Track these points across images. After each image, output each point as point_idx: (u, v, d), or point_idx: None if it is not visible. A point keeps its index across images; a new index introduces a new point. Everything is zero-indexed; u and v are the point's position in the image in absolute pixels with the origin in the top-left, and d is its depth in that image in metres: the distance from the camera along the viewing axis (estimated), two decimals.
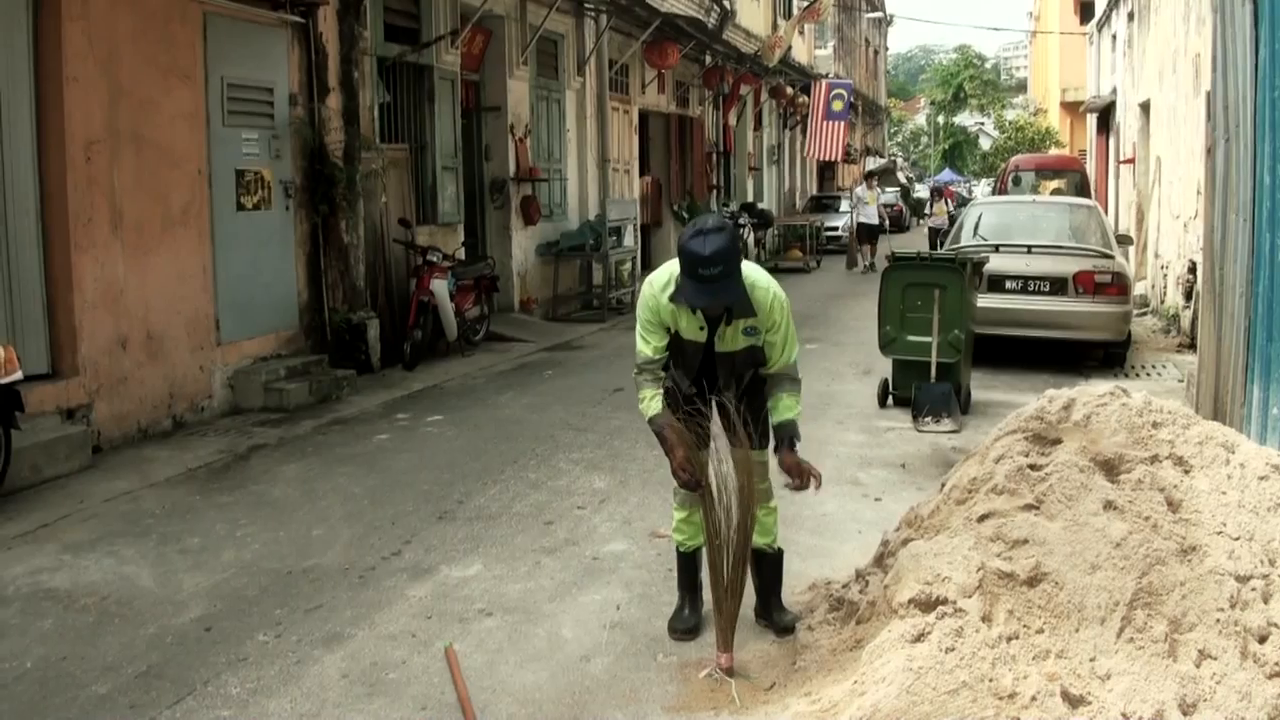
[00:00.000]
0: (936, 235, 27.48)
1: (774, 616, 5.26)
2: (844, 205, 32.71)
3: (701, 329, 4.88)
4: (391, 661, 4.97)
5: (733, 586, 4.74)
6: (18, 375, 7.06)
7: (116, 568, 6.20)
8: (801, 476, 4.90)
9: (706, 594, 5.25)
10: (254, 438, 9.22)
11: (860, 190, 27.54)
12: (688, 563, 5.25)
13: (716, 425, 4.94)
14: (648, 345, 4.95)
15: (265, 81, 10.80)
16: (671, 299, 4.78)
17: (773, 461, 5.06)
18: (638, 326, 4.99)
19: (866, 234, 26.77)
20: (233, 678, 4.83)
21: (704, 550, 5.01)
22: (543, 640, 5.19)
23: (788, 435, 4.92)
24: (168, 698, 4.65)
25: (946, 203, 32.21)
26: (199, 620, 5.47)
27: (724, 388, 4.98)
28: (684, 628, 5.20)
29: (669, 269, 4.86)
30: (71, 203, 8.42)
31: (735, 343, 4.92)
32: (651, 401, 4.92)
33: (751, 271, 4.85)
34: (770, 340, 4.91)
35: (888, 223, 31.04)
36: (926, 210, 35.76)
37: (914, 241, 30.73)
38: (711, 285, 4.53)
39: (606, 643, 5.16)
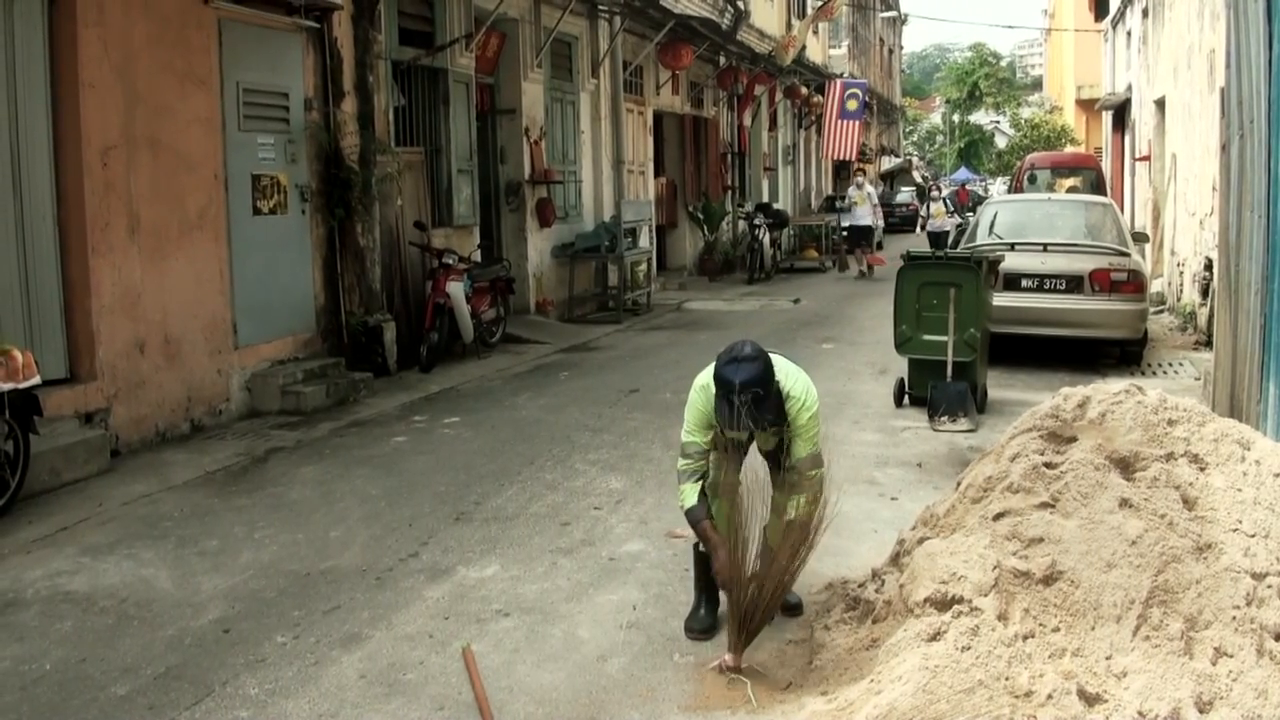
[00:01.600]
0: (938, 243, 24.63)
1: (784, 599, 5.29)
2: (948, 203, 32.80)
3: (744, 430, 5.02)
4: (409, 662, 4.99)
5: (755, 601, 4.79)
6: (36, 380, 7.10)
7: (135, 570, 6.23)
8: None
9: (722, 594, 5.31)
10: (271, 440, 9.26)
11: (850, 191, 26.38)
12: (705, 562, 5.26)
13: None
14: (694, 437, 5.12)
15: (280, 86, 10.84)
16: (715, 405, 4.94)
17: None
18: (685, 422, 5.15)
19: (858, 237, 25.38)
20: (251, 679, 4.85)
21: None
22: (560, 640, 5.21)
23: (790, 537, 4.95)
24: (186, 699, 4.67)
25: (945, 202, 28.93)
26: (217, 622, 5.49)
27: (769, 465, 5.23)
28: (700, 627, 5.22)
29: (711, 370, 5.03)
30: (88, 208, 8.47)
31: (768, 444, 5.20)
32: (686, 495, 5.10)
33: (788, 380, 5.03)
34: (794, 439, 5.08)
35: (881, 225, 28.66)
36: (922, 213, 32.88)
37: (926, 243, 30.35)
38: (743, 410, 4.73)
39: (623, 643, 5.17)
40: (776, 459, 5.15)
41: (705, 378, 5.03)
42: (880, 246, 30.86)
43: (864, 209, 25.18)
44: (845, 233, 26.02)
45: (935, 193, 29.21)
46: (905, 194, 45.63)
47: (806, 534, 4.94)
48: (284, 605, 5.69)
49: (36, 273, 8.21)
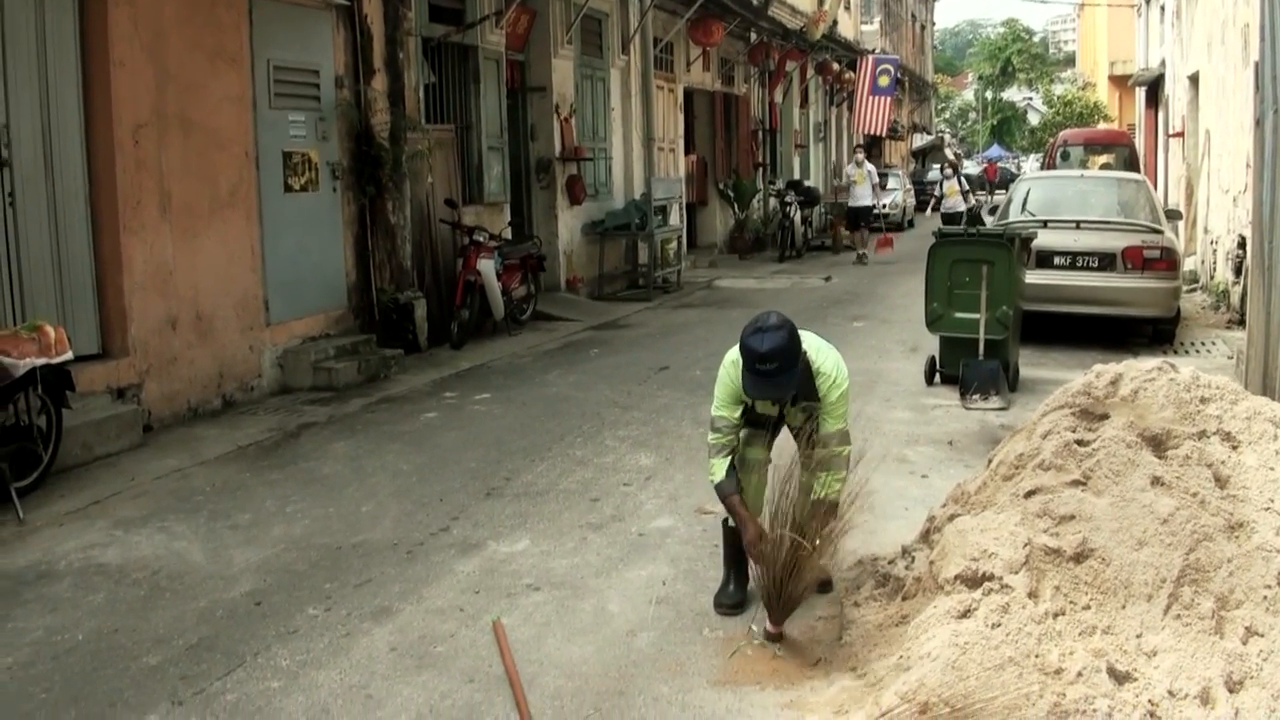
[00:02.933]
0: (952, 223, 22.09)
1: None
2: (892, 182, 32.31)
3: (774, 404, 5.06)
4: (440, 635, 5.02)
5: (790, 569, 4.80)
6: (68, 355, 7.15)
7: (167, 543, 6.29)
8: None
9: (753, 569, 5.32)
10: (303, 416, 9.31)
11: (849, 169, 24.93)
12: (734, 538, 5.27)
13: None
14: (723, 412, 5.10)
15: (311, 64, 10.86)
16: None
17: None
18: (715, 398, 5.12)
19: (857, 218, 23.89)
20: (282, 650, 4.89)
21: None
22: (589, 615, 5.23)
23: (823, 514, 4.90)
24: (218, 669, 4.72)
25: (960, 180, 25.49)
26: (249, 594, 5.54)
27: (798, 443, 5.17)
28: (730, 603, 5.23)
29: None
30: (120, 185, 8.52)
31: (796, 419, 5.16)
32: (716, 470, 5.08)
33: (818, 356, 5.02)
34: (821, 415, 5.05)
35: (879, 205, 25.99)
36: (935, 192, 27.39)
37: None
38: (768, 379, 4.74)
39: (652, 617, 5.19)
40: (807, 436, 5.13)
41: (735, 353, 5.01)
42: (911, 225, 30.59)
43: (864, 188, 23.79)
44: (884, 209, 25.52)
45: (948, 170, 25.65)
46: (937, 171, 45.40)
47: (836, 510, 4.94)
48: (315, 578, 5.73)
49: (69, 250, 8.27)
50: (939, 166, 46.00)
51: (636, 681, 4.54)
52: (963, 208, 23.06)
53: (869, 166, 24.49)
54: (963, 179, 25.43)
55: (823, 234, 27.27)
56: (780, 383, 4.75)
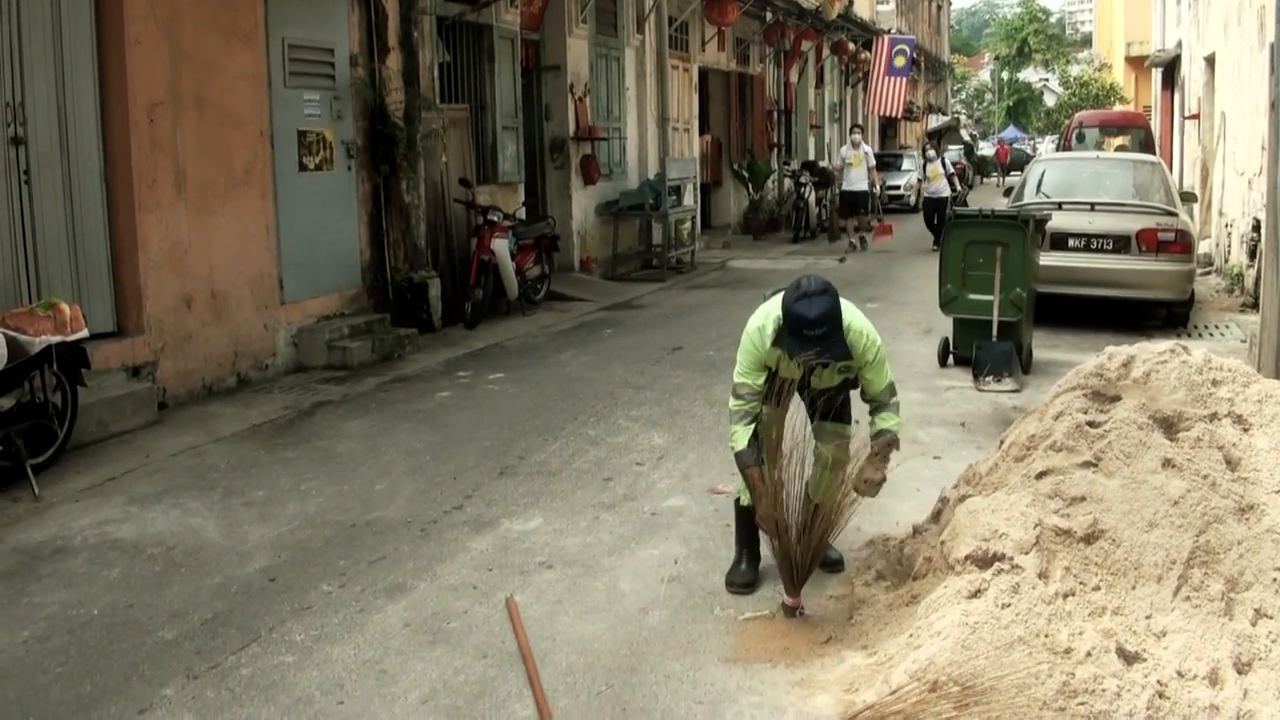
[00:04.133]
0: (935, 210, 21.43)
1: (825, 553, 5.34)
2: (906, 164, 32.13)
3: (800, 367, 5.01)
4: (453, 611, 5.06)
5: (807, 540, 4.88)
6: (84, 333, 7.19)
7: (182, 519, 6.33)
8: (871, 487, 5.06)
9: (764, 549, 5.34)
10: (318, 394, 9.35)
11: (844, 150, 23.17)
12: (746, 517, 5.30)
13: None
14: (746, 379, 5.08)
15: (326, 42, 10.87)
16: (774, 343, 4.94)
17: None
18: (738, 364, 5.11)
19: (853, 205, 22.42)
20: (297, 625, 4.93)
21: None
22: (602, 593, 5.26)
23: (885, 444, 5.09)
24: (233, 644, 4.76)
25: (943, 162, 23.04)
26: (264, 570, 5.58)
27: (812, 419, 5.25)
28: (741, 581, 5.25)
29: (766, 311, 5.04)
30: (135, 164, 8.54)
31: (831, 380, 5.12)
32: (738, 438, 5.08)
33: (848, 313, 5.00)
34: (867, 376, 5.08)
35: (878, 189, 24.49)
36: (917, 175, 25.08)
37: (979, 202, 28.76)
38: (816, 343, 4.74)
39: (664, 596, 5.21)
40: (828, 404, 5.14)
41: (760, 319, 5.03)
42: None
43: (859, 171, 22.09)
44: (898, 191, 24.45)
45: (931, 153, 23.13)
46: (953, 152, 45.29)
47: (897, 441, 5.13)
48: (330, 555, 5.77)
49: (84, 228, 8.30)
50: (962, 148, 45.93)
51: (648, 659, 4.57)
52: (947, 193, 21.85)
53: (866, 148, 23.10)
54: (946, 162, 23.17)
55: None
56: (828, 345, 4.76)
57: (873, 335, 5.03)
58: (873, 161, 22.94)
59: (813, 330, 4.70)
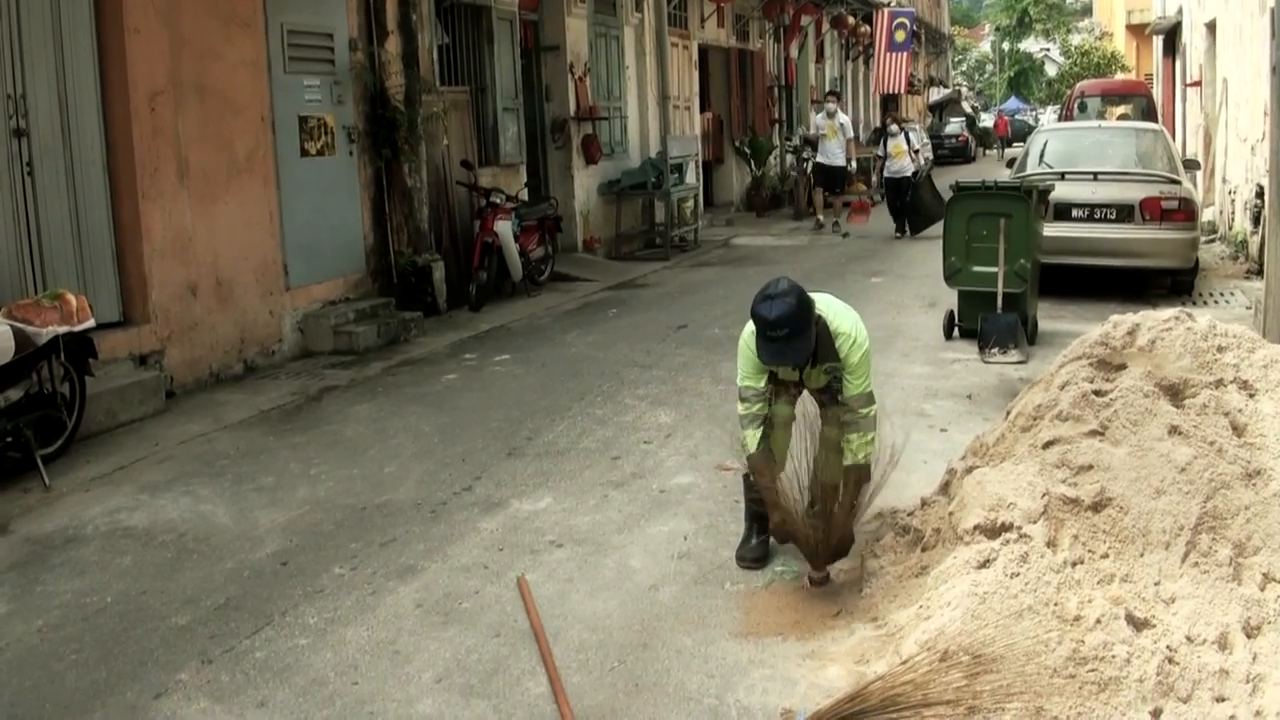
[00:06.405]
0: (899, 190, 19.45)
1: None
2: (912, 138, 31.94)
3: (795, 369, 5.06)
4: (465, 592, 5.08)
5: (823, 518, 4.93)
6: (90, 323, 7.21)
7: (193, 506, 6.36)
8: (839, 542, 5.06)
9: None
10: (325, 379, 9.37)
11: (818, 119, 20.98)
12: (755, 492, 5.32)
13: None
14: (749, 382, 5.10)
15: (325, 27, 10.86)
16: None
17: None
18: (739, 370, 5.13)
19: (829, 181, 20.59)
20: (310, 608, 4.96)
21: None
22: (612, 570, 5.28)
23: (855, 479, 5.05)
24: (246, 628, 4.79)
25: (908, 138, 19.99)
26: (275, 555, 5.61)
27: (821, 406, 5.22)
28: (751, 557, 5.27)
29: None
30: (138, 153, 8.54)
31: (819, 380, 5.12)
32: (748, 441, 5.11)
33: (836, 317, 5.01)
34: (846, 378, 5.06)
35: (853, 165, 21.69)
36: (879, 152, 21.35)
37: (980, 174, 27.34)
38: (779, 345, 4.75)
39: (674, 572, 5.24)
40: (832, 395, 5.15)
41: (749, 327, 5.05)
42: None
43: (834, 143, 20.03)
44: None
45: (894, 127, 20.32)
46: (955, 125, 45.21)
47: (869, 474, 5.03)
48: (341, 538, 5.80)
49: (88, 218, 8.31)
50: (964, 120, 45.73)
51: (659, 634, 4.60)
52: (909, 171, 19.55)
53: (842, 118, 20.66)
54: (910, 137, 20.33)
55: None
56: (792, 348, 4.77)
57: (859, 338, 5.01)
58: (850, 133, 20.85)
59: (775, 331, 4.71)
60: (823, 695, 3.94)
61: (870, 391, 5.10)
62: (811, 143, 21.70)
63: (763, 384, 5.08)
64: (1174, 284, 12.19)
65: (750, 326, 5.03)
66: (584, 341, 10.72)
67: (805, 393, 5.29)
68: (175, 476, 6.91)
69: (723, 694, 4.11)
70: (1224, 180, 17.10)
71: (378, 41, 11.48)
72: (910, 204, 18.76)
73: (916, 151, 20.54)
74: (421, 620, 4.81)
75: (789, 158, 25.53)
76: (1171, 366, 4.71)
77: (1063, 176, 12.11)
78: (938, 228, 12.91)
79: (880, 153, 20.32)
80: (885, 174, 20.16)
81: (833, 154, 20.05)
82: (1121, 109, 24.52)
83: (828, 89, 26.00)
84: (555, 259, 14.49)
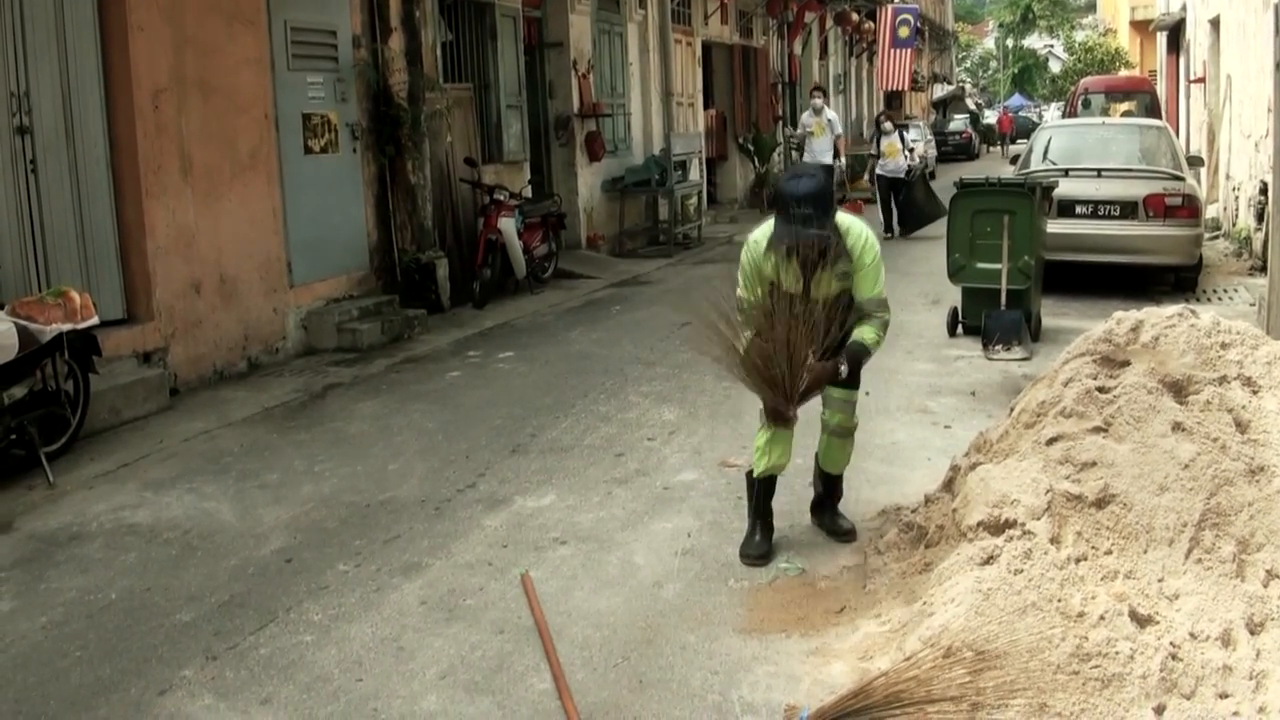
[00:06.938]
0: (891, 189, 18.87)
1: (836, 523, 5.52)
2: (912, 134, 31.88)
3: (798, 280, 5.04)
4: (469, 588, 5.09)
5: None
6: (94, 320, 7.22)
7: (197, 503, 6.37)
8: (815, 384, 5.11)
9: (778, 520, 5.43)
10: (328, 377, 9.38)
11: (805, 118, 20.34)
12: (759, 489, 5.34)
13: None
14: (746, 294, 5.15)
15: (328, 25, 10.86)
16: (768, 250, 5.04)
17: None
18: (740, 280, 5.20)
19: None
20: (314, 605, 4.97)
21: (777, 477, 5.38)
22: (616, 567, 5.29)
23: (851, 356, 5.13)
24: (251, 625, 4.80)
25: (902, 135, 19.59)
26: (279, 552, 5.61)
27: (822, 328, 5.09)
28: (755, 553, 5.27)
29: (765, 228, 5.12)
30: (141, 151, 8.55)
31: (829, 287, 5.08)
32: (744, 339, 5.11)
33: (845, 219, 5.11)
34: (859, 280, 5.11)
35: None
36: (871, 150, 20.37)
37: (984, 170, 26.89)
38: (799, 225, 4.82)
39: (678, 569, 5.24)
40: (839, 308, 5.08)
41: (755, 234, 5.17)
42: (933, 176, 30.01)
43: (823, 141, 19.48)
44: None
45: (887, 125, 19.60)
46: (959, 121, 45.15)
47: (868, 354, 5.20)
48: (345, 535, 5.80)
49: (92, 216, 8.31)
50: (968, 117, 45.63)
51: (664, 631, 4.60)
52: (903, 170, 19.04)
53: (830, 115, 20.01)
54: (904, 135, 19.91)
55: (842, 187, 26.45)
56: (811, 230, 4.83)
57: (872, 242, 5.13)
58: (839, 129, 20.19)
59: (799, 208, 4.81)
60: (826, 692, 3.94)
61: (884, 298, 5.19)
62: (799, 146, 21.25)
63: (760, 294, 5.10)
64: (1177, 281, 12.19)
65: (752, 236, 5.16)
66: (588, 339, 10.73)
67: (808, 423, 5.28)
68: (179, 474, 6.92)
69: (727, 690, 4.11)
70: (1228, 177, 17.08)
71: (381, 39, 11.48)
72: (903, 204, 18.57)
73: (911, 150, 20.18)
74: (425, 617, 4.81)
75: (792, 154, 25.47)
76: (1175, 363, 4.70)
77: (1066, 173, 12.11)
78: (930, 228, 12.94)
79: (874, 151, 19.78)
80: (878, 172, 19.55)
81: (819, 152, 19.43)
82: (1125, 105, 24.50)
83: (814, 84, 25.24)
84: (559, 256, 14.49)
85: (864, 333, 5.14)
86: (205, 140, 9.16)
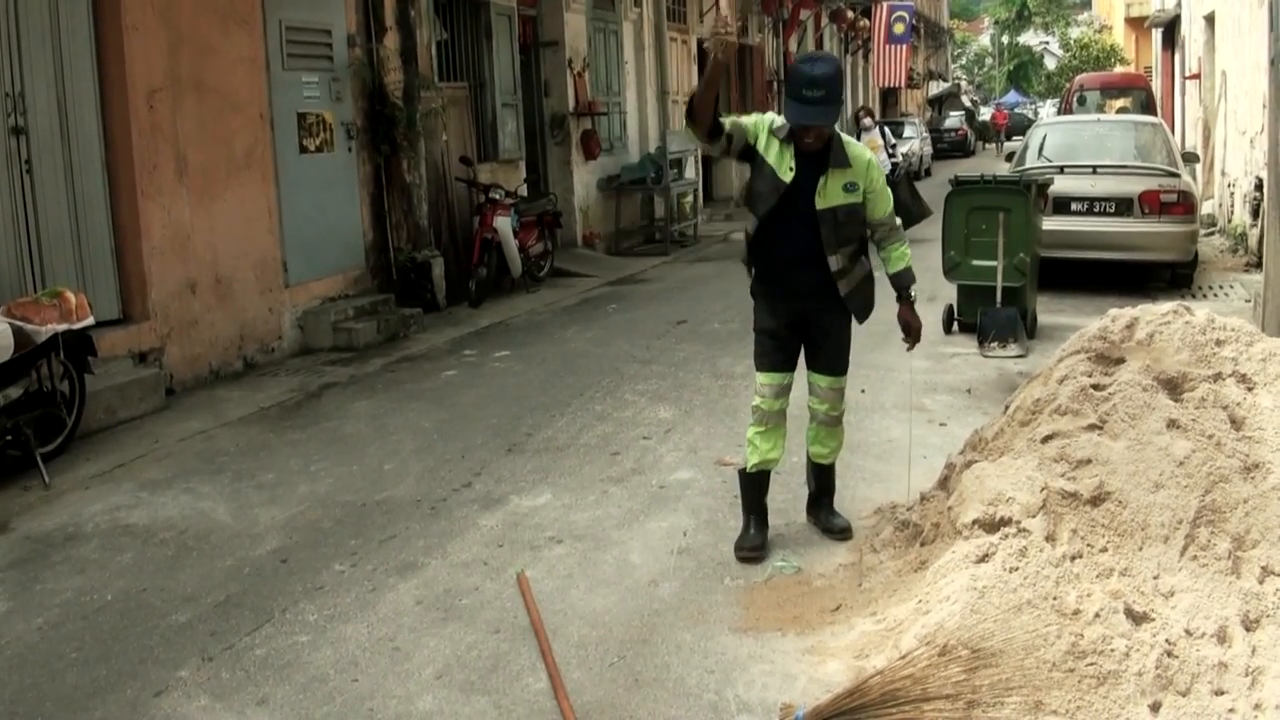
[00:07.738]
0: None
1: (831, 521, 5.52)
2: (908, 131, 31.94)
3: (790, 170, 5.05)
4: (464, 588, 5.08)
5: None
6: (89, 321, 7.21)
7: (193, 504, 6.36)
8: (912, 334, 5.47)
9: (774, 518, 5.44)
10: (324, 376, 9.37)
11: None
12: (752, 484, 5.34)
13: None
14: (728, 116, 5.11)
15: (323, 24, 10.85)
16: (774, 132, 5.07)
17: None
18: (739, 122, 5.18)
19: None
20: (310, 605, 4.96)
21: (770, 472, 5.39)
22: (611, 566, 5.29)
23: (903, 286, 5.39)
24: (247, 625, 4.79)
25: (883, 132, 18.75)
26: (275, 552, 5.61)
27: (828, 252, 5.18)
28: (749, 546, 5.28)
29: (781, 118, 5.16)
30: (136, 150, 8.54)
31: (835, 197, 5.12)
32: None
33: (849, 138, 5.22)
34: (872, 201, 5.22)
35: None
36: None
37: (979, 168, 27.10)
38: (813, 106, 4.87)
39: (674, 567, 5.24)
40: (835, 226, 5.13)
41: (767, 115, 5.24)
42: (928, 173, 30.07)
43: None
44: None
45: (867, 121, 18.41)
46: (954, 119, 45.18)
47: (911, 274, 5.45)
48: (341, 535, 5.80)
49: (87, 216, 8.30)
50: (964, 114, 45.61)
51: (659, 630, 4.60)
52: (886, 169, 16.59)
53: (877, 134, 18.22)
54: (886, 131, 19.23)
55: None
56: (824, 111, 4.87)
57: (877, 165, 5.25)
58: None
59: (812, 90, 4.83)
60: (822, 690, 3.94)
61: (893, 212, 5.34)
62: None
63: (734, 120, 5.09)
64: (1173, 277, 12.21)
65: (766, 117, 5.18)
66: (583, 337, 10.73)
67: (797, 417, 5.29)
68: (175, 474, 6.91)
69: (722, 689, 4.11)
70: (1223, 173, 17.09)
71: (376, 38, 11.48)
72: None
73: (894, 147, 19.49)
74: (421, 617, 4.81)
75: None
76: (1170, 360, 4.71)
77: (1062, 170, 12.14)
78: (919, 228, 12.91)
79: None
80: None
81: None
82: (1120, 102, 24.54)
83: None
84: (554, 255, 14.49)
85: (898, 256, 5.36)
86: (200, 140, 9.15)
